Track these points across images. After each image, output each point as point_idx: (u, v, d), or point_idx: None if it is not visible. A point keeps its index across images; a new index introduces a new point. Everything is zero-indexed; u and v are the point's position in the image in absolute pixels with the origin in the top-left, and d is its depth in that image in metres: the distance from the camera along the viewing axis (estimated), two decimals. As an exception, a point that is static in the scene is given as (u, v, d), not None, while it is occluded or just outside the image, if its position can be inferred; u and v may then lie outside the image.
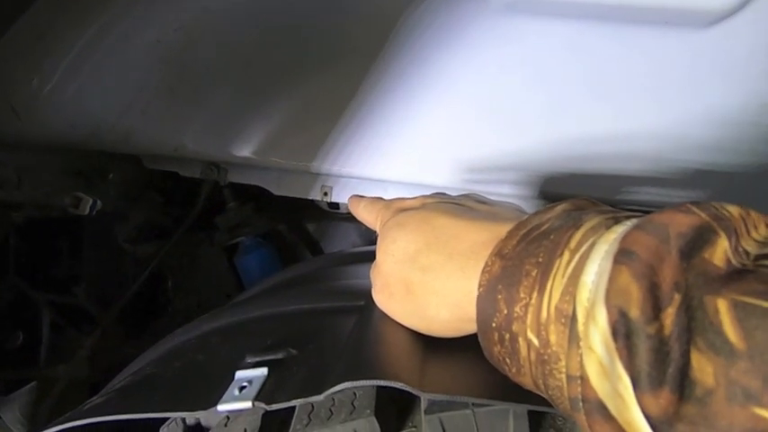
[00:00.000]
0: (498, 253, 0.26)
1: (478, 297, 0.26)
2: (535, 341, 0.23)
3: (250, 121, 0.67)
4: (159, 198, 0.83)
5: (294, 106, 0.67)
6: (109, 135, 0.65)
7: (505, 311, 0.24)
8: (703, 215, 0.20)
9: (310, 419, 0.30)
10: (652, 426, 0.18)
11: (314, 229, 1.04)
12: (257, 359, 0.30)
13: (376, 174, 0.70)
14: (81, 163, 0.66)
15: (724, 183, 0.61)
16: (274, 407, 0.26)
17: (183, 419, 0.34)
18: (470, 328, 0.29)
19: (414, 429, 0.31)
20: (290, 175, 0.76)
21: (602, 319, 0.19)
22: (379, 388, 0.31)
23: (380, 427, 0.30)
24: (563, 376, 0.21)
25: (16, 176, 0.59)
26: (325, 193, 0.76)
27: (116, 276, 0.83)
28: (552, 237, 0.24)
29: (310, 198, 0.77)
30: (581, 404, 0.21)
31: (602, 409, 0.20)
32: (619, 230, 0.22)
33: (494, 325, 0.25)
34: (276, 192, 0.78)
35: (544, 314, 0.22)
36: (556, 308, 0.22)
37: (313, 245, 1.04)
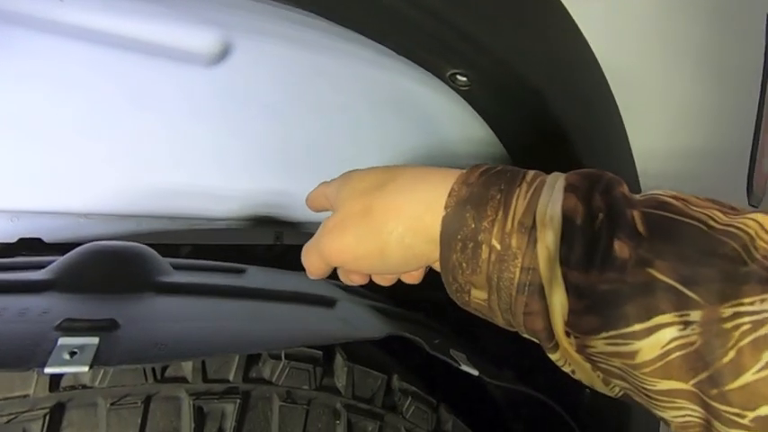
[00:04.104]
0: (464, 182, 0.34)
1: (445, 216, 0.34)
2: (498, 246, 0.31)
3: None
4: None
5: None
6: None
7: (473, 225, 0.32)
8: (604, 172, 0.32)
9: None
10: (577, 293, 0.28)
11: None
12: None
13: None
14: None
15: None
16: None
17: None
18: (419, 249, 0.36)
19: None
20: None
21: (556, 225, 0.29)
22: None
23: None
24: (517, 270, 0.31)
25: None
26: None
27: None
28: (509, 174, 0.34)
29: None
30: (526, 288, 0.30)
31: (541, 290, 0.30)
32: (557, 175, 0.33)
33: (459, 237, 0.33)
34: None
35: (509, 226, 0.31)
36: (519, 221, 0.31)
37: None
